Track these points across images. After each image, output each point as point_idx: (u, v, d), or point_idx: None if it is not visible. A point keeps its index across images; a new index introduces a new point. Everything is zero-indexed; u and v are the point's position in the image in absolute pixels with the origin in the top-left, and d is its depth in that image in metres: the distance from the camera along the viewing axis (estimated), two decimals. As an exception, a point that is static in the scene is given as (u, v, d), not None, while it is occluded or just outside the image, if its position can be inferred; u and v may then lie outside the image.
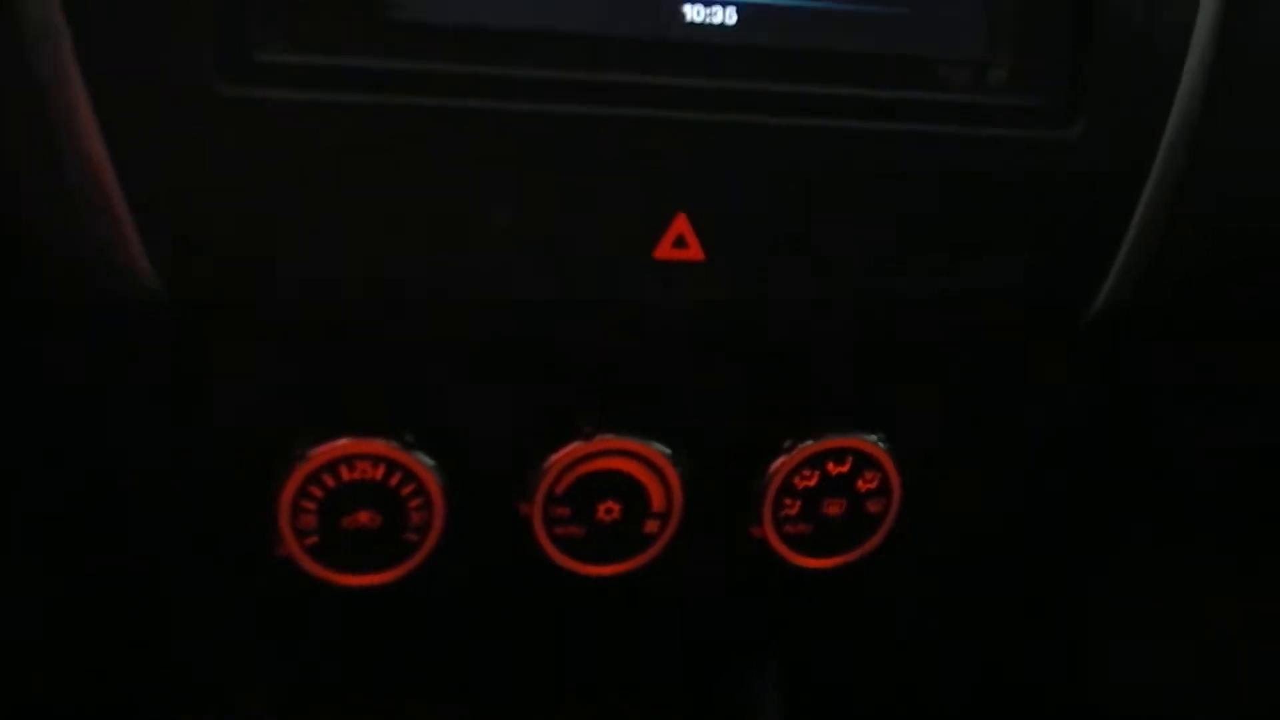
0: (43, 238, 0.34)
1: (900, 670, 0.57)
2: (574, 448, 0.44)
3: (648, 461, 0.45)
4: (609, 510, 0.45)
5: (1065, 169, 0.39)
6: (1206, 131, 0.40)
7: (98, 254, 0.35)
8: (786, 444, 0.46)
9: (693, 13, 0.37)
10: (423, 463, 0.42)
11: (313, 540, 0.43)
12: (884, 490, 0.47)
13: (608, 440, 0.44)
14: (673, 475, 0.45)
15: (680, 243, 0.38)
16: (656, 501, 0.45)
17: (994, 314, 0.41)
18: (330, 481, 0.42)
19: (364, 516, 0.43)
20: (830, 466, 0.47)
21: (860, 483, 0.47)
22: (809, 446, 0.46)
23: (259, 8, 0.34)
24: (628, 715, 0.53)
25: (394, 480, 0.42)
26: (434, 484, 0.43)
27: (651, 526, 0.46)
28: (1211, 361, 0.48)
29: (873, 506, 0.48)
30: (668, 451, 0.45)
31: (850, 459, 0.47)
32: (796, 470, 0.46)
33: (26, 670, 0.48)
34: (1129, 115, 0.39)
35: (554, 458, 0.44)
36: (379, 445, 0.42)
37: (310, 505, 0.42)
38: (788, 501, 0.47)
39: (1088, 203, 0.39)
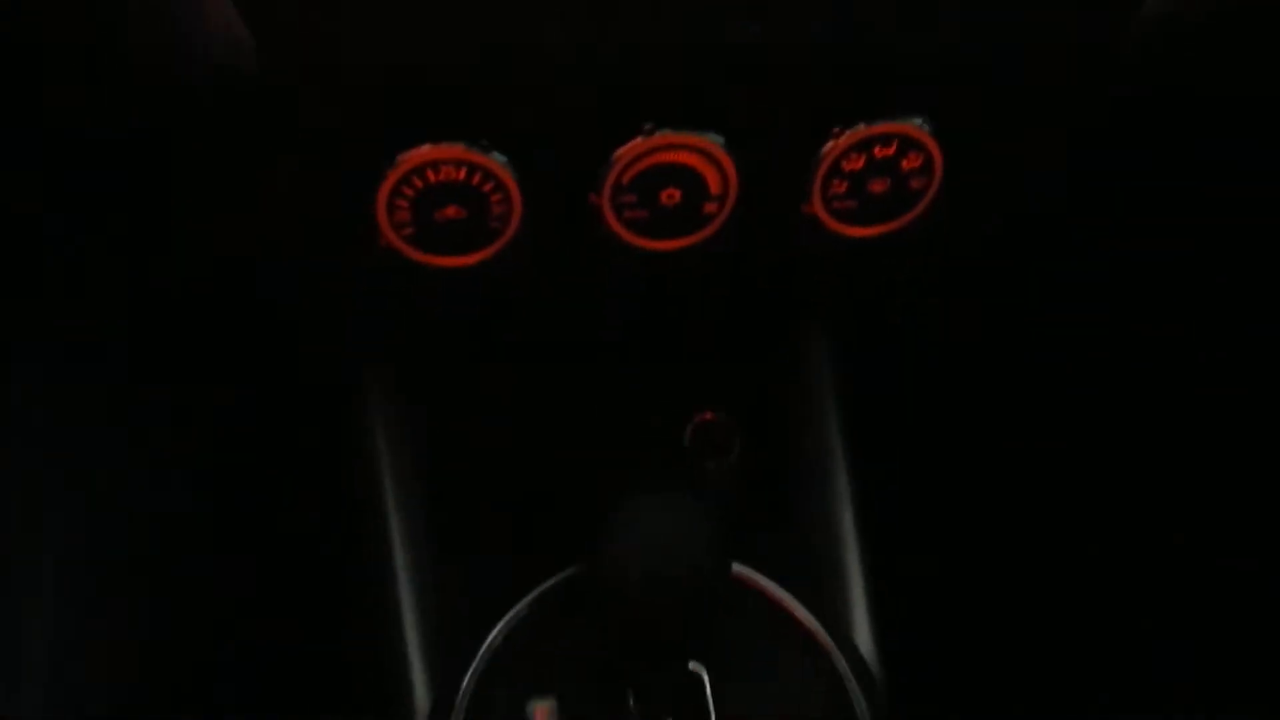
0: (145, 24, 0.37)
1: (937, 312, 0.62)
2: (637, 143, 0.48)
3: (704, 152, 0.49)
4: (671, 196, 0.50)
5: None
6: None
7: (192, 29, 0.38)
8: (836, 130, 0.49)
9: None
10: (499, 161, 0.47)
11: (409, 231, 0.49)
12: (927, 169, 0.51)
13: (668, 136, 0.48)
14: (728, 162, 0.49)
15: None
16: (714, 186, 0.50)
17: (1039, 24, 0.42)
18: (419, 183, 0.47)
19: (451, 210, 0.48)
20: (877, 150, 0.50)
21: (905, 163, 0.50)
22: (859, 131, 0.49)
23: None
24: (684, 370, 0.60)
25: (475, 179, 0.47)
26: (511, 180, 0.47)
27: (710, 208, 0.50)
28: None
29: (916, 183, 0.51)
30: (722, 141, 0.48)
31: (896, 142, 0.50)
32: (845, 154, 0.50)
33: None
34: None
35: (620, 152, 0.48)
36: (458, 150, 0.46)
37: (404, 203, 0.48)
38: (836, 182, 0.51)
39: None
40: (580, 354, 0.59)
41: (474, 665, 0.55)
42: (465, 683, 0.55)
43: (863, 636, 0.59)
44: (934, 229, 0.53)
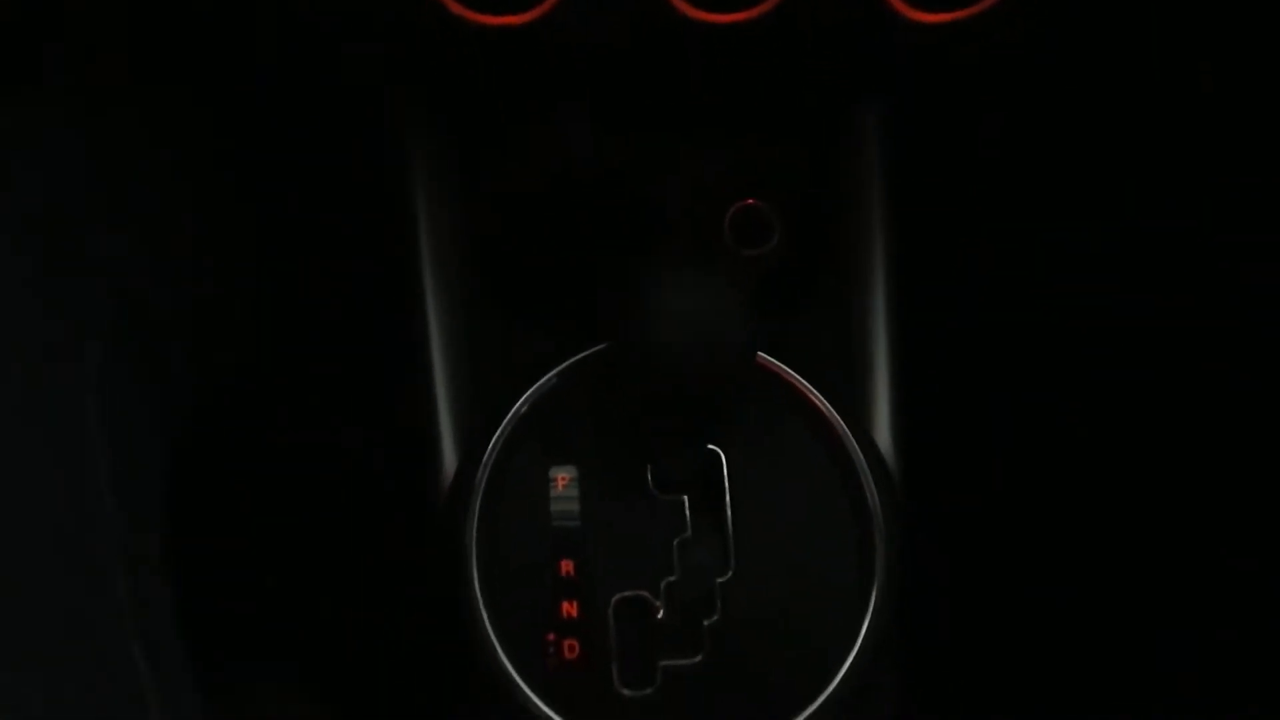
0: None
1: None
2: (700, -98, 0.45)
3: (772, -82, 0.46)
4: (731, -37, 0.47)
5: None
6: None
7: None
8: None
9: None
10: None
11: (455, -17, 0.46)
12: None
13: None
14: (796, -69, 0.46)
15: None
16: (778, -45, 0.47)
17: None
18: (469, -70, 0.45)
19: (501, -37, 0.46)
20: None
21: (986, -59, 0.47)
22: None
23: None
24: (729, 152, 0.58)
25: (528, -70, 0.45)
26: (565, -66, 0.45)
27: (773, -20, 0.48)
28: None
29: (995, -33, 0.48)
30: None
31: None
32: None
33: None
34: None
35: (680, -89, 0.45)
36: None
37: (451, -48, 0.45)
38: (909, -41, 0.48)
39: None
40: (624, 128, 0.58)
41: (499, 431, 0.56)
42: (490, 447, 0.56)
43: (882, 435, 0.60)
44: (1010, 21, 0.50)
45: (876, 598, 0.56)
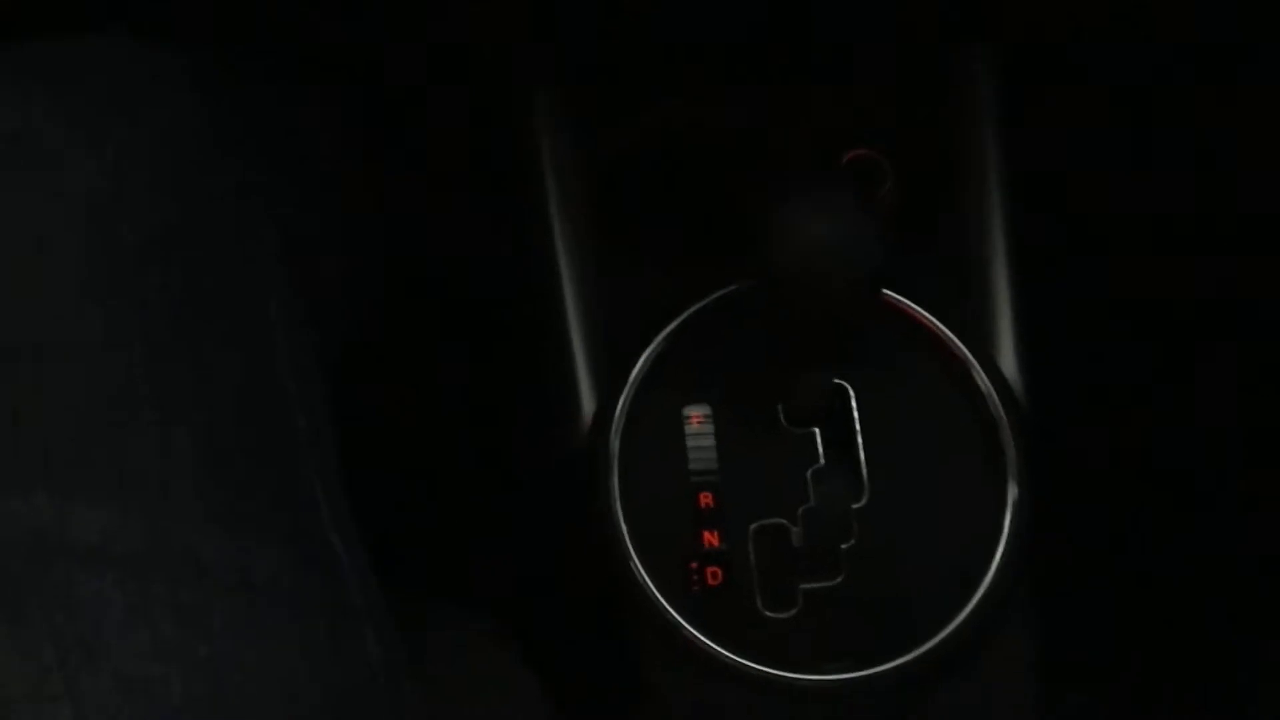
0: None
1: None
2: None
3: None
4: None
5: None
6: None
7: None
8: None
9: None
10: None
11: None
12: None
13: None
14: None
15: None
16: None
17: None
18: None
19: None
20: None
21: None
22: None
23: None
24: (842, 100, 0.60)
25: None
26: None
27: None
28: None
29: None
30: None
31: None
32: None
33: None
34: None
35: None
36: None
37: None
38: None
39: None
40: (743, 76, 0.60)
41: (635, 372, 0.59)
42: (627, 388, 0.58)
43: (1006, 360, 0.60)
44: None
45: (1011, 518, 0.57)
